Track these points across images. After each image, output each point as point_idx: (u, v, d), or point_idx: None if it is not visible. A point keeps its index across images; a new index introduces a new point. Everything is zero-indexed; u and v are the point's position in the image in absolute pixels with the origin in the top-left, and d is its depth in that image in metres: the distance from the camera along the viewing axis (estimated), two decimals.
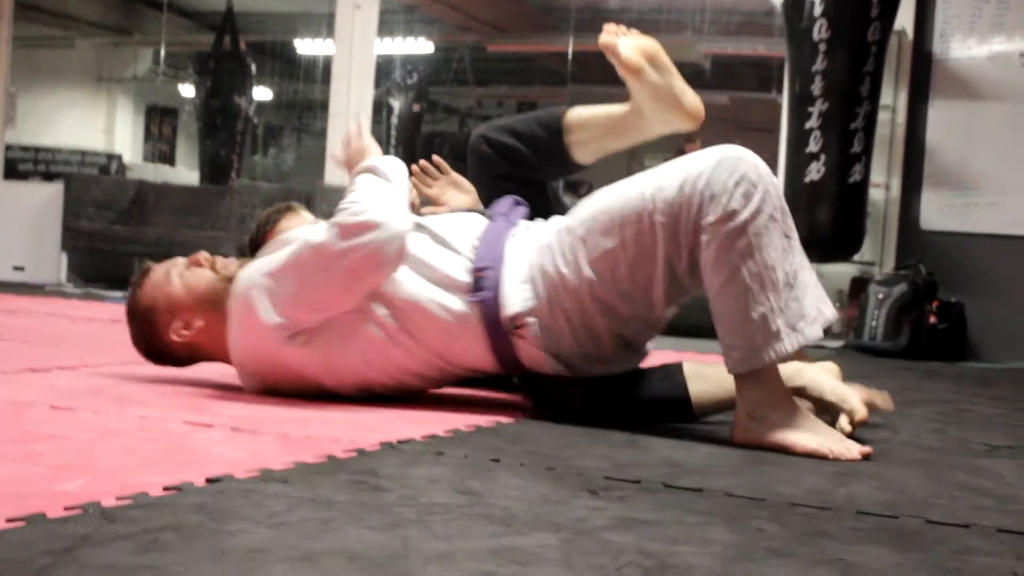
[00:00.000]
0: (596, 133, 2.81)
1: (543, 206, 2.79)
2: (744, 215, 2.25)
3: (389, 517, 1.44)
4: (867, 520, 1.63)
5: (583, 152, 2.83)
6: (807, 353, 2.67)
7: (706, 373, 2.62)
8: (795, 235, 2.34)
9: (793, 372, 2.57)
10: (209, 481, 1.59)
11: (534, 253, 2.51)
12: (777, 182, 2.33)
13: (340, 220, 2.44)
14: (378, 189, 2.52)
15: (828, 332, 2.66)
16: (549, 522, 1.47)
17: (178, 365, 2.80)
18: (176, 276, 2.70)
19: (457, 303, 2.49)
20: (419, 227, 2.63)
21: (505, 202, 2.73)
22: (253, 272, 2.53)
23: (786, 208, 2.33)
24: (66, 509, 1.36)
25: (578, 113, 2.82)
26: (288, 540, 1.28)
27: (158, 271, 2.74)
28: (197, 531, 1.30)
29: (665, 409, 2.58)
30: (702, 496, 1.74)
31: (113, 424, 2.10)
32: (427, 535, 1.35)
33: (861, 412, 2.46)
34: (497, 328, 2.47)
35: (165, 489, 1.51)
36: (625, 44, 2.69)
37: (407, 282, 2.50)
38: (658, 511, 1.59)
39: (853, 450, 2.21)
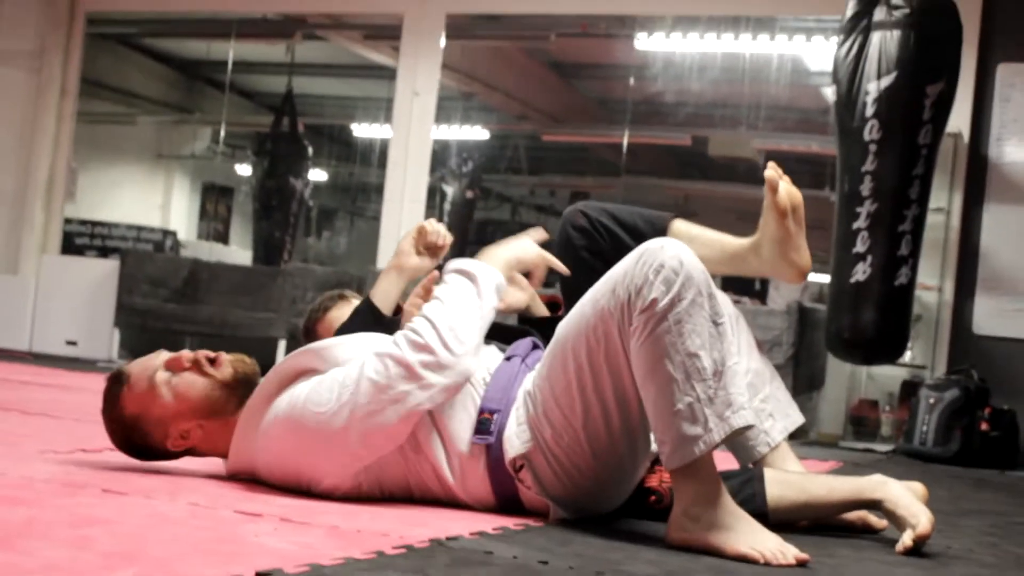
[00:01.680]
0: (699, 250, 2.75)
1: None
2: (664, 302, 2.21)
3: None
4: None
5: None
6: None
7: (790, 479, 2.62)
8: (725, 321, 2.29)
9: (878, 483, 2.56)
10: (259, 575, 1.59)
11: (522, 400, 2.47)
12: (702, 269, 2.29)
13: (412, 359, 2.40)
14: (462, 310, 2.49)
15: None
16: None
17: (168, 460, 2.67)
18: (163, 385, 2.55)
19: (463, 443, 2.46)
20: None
21: (524, 344, 2.67)
22: (303, 409, 2.43)
23: (715, 294, 2.29)
24: None
25: (685, 226, 2.83)
26: None
27: (139, 381, 2.56)
28: None
29: None
30: None
31: (164, 510, 2.11)
32: None
33: (924, 527, 2.42)
34: (500, 471, 2.44)
35: None
36: (783, 185, 2.68)
37: (432, 441, 2.48)
38: None
39: (789, 555, 2.13)
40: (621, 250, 2.72)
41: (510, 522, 2.32)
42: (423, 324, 2.45)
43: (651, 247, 2.29)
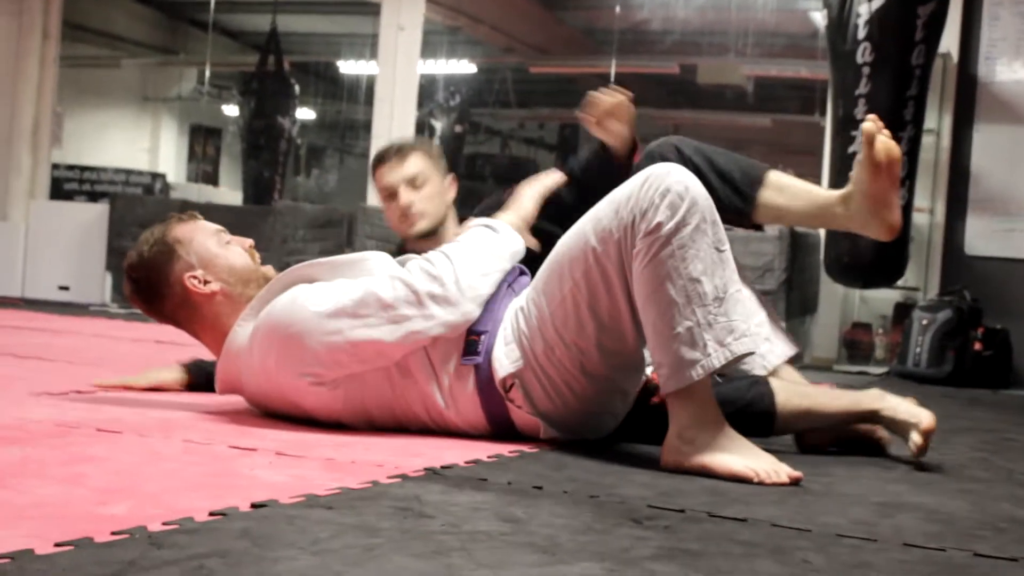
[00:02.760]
0: (789, 201, 2.79)
1: None
2: (669, 226, 2.21)
3: (432, 544, 1.44)
4: (914, 552, 1.62)
5: (764, 212, 2.81)
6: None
7: (794, 387, 2.66)
8: (727, 249, 2.29)
9: (876, 395, 2.61)
10: (254, 506, 1.60)
11: (513, 317, 2.49)
12: (707, 195, 2.29)
13: (421, 288, 2.43)
14: (479, 258, 2.52)
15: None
16: (593, 551, 1.47)
17: (148, 307, 2.68)
18: (222, 239, 2.68)
19: (452, 365, 2.47)
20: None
21: (511, 273, 2.65)
22: (301, 306, 2.44)
23: (718, 221, 2.29)
24: (113, 533, 1.37)
25: (779, 178, 2.82)
26: (332, 567, 1.29)
27: (207, 224, 2.72)
28: (242, 557, 1.30)
29: (750, 419, 2.56)
30: (747, 526, 1.73)
31: (159, 447, 2.11)
32: (471, 563, 1.35)
33: (928, 420, 2.47)
34: (491, 392, 2.45)
35: (211, 514, 1.52)
36: (881, 139, 2.58)
37: (419, 363, 2.49)
38: (703, 541, 1.58)
39: (782, 474, 2.16)
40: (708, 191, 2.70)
41: (504, 449, 2.33)
42: (439, 257, 2.48)
43: (657, 171, 2.29)
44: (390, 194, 3.32)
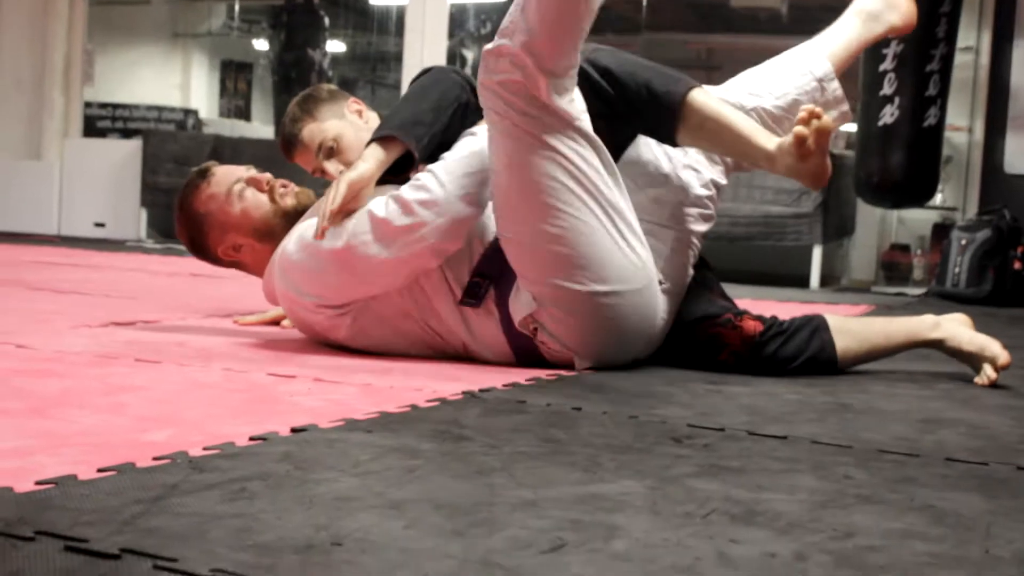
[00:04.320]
0: (713, 137, 2.52)
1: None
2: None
3: (473, 465, 1.44)
4: (956, 467, 1.61)
5: (685, 139, 2.55)
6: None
7: (851, 328, 2.64)
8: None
9: (931, 325, 2.61)
10: (294, 431, 1.60)
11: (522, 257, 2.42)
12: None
13: (409, 197, 2.43)
14: (459, 160, 2.48)
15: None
16: (634, 470, 1.47)
17: (215, 265, 2.86)
18: (236, 196, 2.71)
19: (465, 310, 2.48)
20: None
21: None
22: (305, 237, 2.48)
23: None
24: (155, 459, 1.38)
25: (701, 107, 2.49)
26: (374, 488, 1.29)
27: (220, 183, 2.74)
28: (284, 480, 1.31)
29: (812, 367, 2.58)
30: (787, 443, 1.73)
31: (198, 376, 2.12)
32: (512, 483, 1.36)
33: (1004, 357, 2.50)
34: (514, 331, 2.45)
35: (251, 439, 1.53)
36: (816, 124, 2.32)
37: (435, 281, 2.50)
38: (743, 458, 1.58)
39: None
40: (615, 119, 2.57)
41: (542, 373, 2.33)
42: (424, 172, 2.48)
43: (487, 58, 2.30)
44: (320, 172, 3.05)
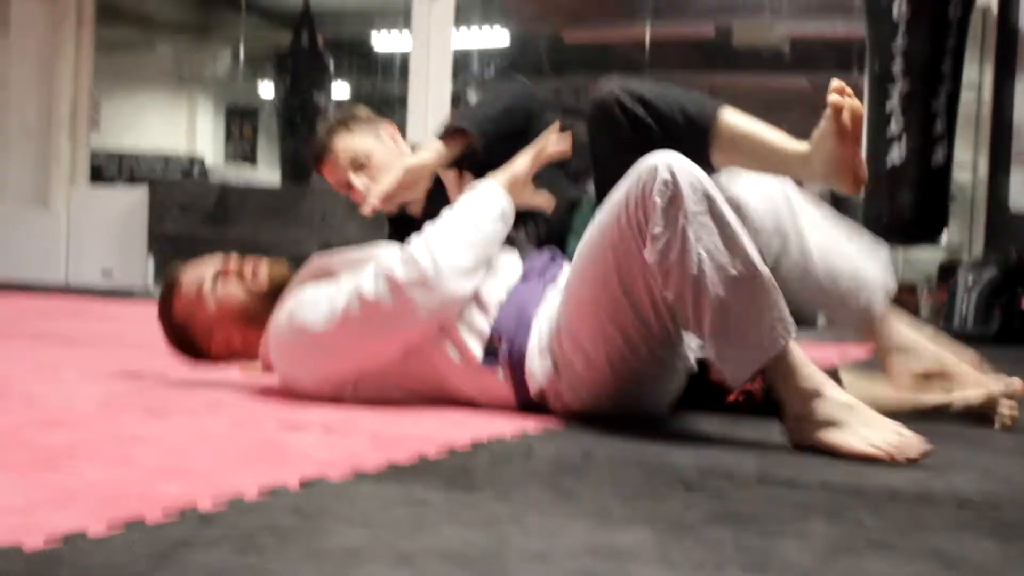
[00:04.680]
0: (746, 151, 2.57)
1: None
2: (676, 229, 2.13)
3: (483, 515, 1.44)
4: (969, 512, 1.60)
5: (721, 159, 2.61)
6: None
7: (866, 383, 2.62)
8: (732, 224, 2.15)
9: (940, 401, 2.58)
10: (303, 483, 1.60)
11: (547, 323, 2.42)
12: (697, 177, 2.16)
13: (400, 276, 2.36)
14: (458, 230, 2.44)
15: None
16: (645, 518, 1.46)
17: (218, 364, 2.80)
18: (208, 295, 2.66)
19: (477, 360, 2.44)
20: None
21: (540, 259, 2.61)
22: (297, 323, 2.46)
23: (712, 194, 2.16)
24: (164, 513, 1.37)
25: (733, 124, 2.57)
26: (383, 540, 1.29)
27: (188, 289, 2.69)
28: (293, 532, 1.31)
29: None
30: (798, 489, 1.72)
31: (207, 427, 2.12)
32: (522, 533, 1.35)
33: (1017, 384, 2.51)
34: (525, 398, 2.43)
35: (260, 491, 1.53)
36: (847, 102, 2.39)
37: (437, 342, 2.47)
38: (754, 505, 1.58)
39: (912, 449, 1.99)
40: (652, 145, 2.58)
41: (551, 423, 2.33)
42: (418, 241, 2.43)
43: (644, 172, 2.20)
44: (345, 186, 3.10)
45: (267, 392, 2.64)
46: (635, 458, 1.93)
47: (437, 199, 2.97)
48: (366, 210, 2.75)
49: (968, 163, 6.98)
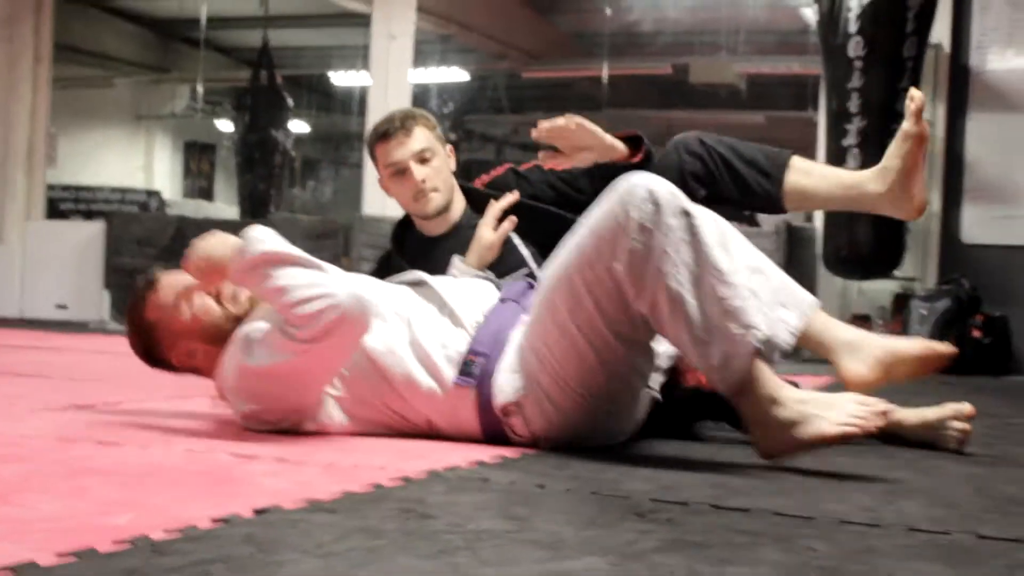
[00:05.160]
0: (816, 183, 2.85)
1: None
2: (654, 243, 2.19)
3: (437, 544, 1.44)
4: (918, 536, 1.61)
5: (792, 196, 2.85)
6: None
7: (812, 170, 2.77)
8: (708, 238, 2.22)
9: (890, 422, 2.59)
10: (257, 512, 1.59)
11: (519, 344, 2.44)
12: (669, 194, 2.23)
13: (300, 332, 2.30)
14: (297, 272, 2.35)
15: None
16: (598, 546, 1.46)
17: (173, 373, 2.76)
18: (184, 303, 2.62)
19: (449, 382, 2.44)
20: (428, 290, 2.61)
21: (518, 286, 2.63)
22: (239, 362, 2.44)
23: (690, 211, 2.22)
24: (115, 543, 1.36)
25: (804, 163, 2.86)
26: (337, 569, 1.28)
27: (166, 291, 2.65)
28: (246, 562, 1.30)
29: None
30: (750, 516, 1.73)
31: (160, 458, 2.11)
32: (476, 562, 1.35)
33: (968, 407, 2.56)
34: (489, 413, 2.42)
35: (213, 521, 1.52)
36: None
37: (403, 354, 2.47)
38: (707, 533, 1.58)
39: (877, 411, 2.13)
40: (735, 180, 2.76)
41: (507, 451, 2.33)
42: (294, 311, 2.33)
43: (623, 190, 2.24)
44: (398, 171, 3.18)
45: (221, 423, 2.63)
46: (589, 487, 1.93)
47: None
48: (436, 203, 3.16)
49: None
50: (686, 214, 2.22)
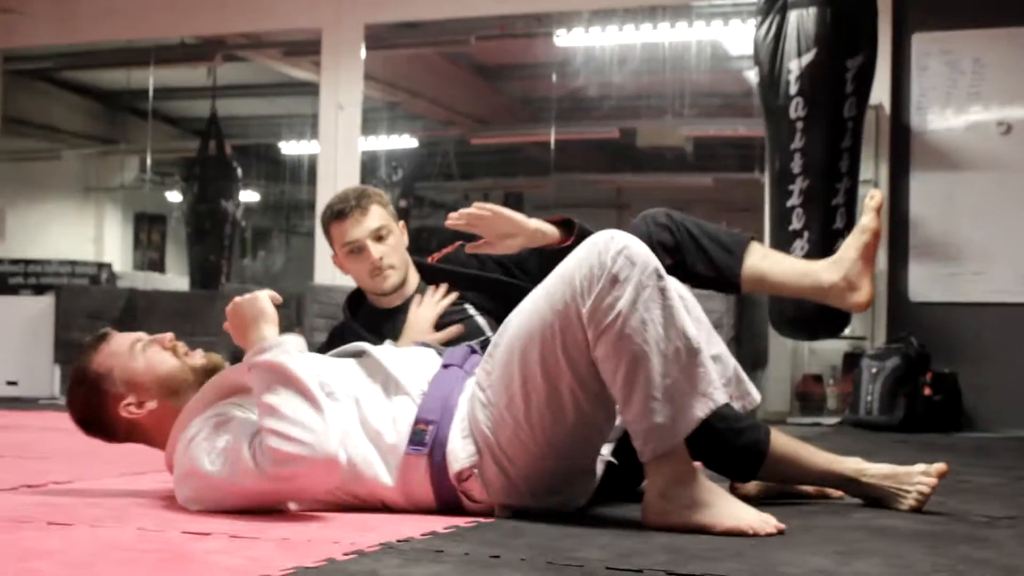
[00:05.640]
0: (773, 265, 2.91)
1: None
2: (623, 300, 2.22)
3: None
4: None
5: (749, 276, 2.90)
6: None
7: (794, 440, 2.69)
8: (678, 303, 2.27)
9: (857, 461, 2.67)
10: None
11: (469, 407, 2.43)
12: (650, 256, 2.27)
13: (267, 466, 2.26)
14: (298, 404, 2.29)
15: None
16: None
17: (108, 440, 2.68)
18: (140, 351, 2.60)
19: (399, 455, 2.43)
20: (371, 361, 2.59)
21: (459, 352, 2.62)
22: (198, 466, 2.38)
23: (665, 278, 2.27)
24: None
25: (761, 247, 2.93)
26: None
27: (120, 340, 2.63)
28: None
29: (738, 458, 2.64)
30: None
31: (112, 537, 2.08)
32: None
33: (941, 465, 2.57)
34: (444, 481, 2.41)
35: None
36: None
37: (355, 436, 2.44)
38: None
39: (770, 524, 2.20)
40: (700, 253, 2.84)
41: (460, 521, 2.32)
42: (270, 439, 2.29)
43: (600, 240, 2.28)
44: (354, 249, 3.28)
45: (171, 502, 2.60)
46: (545, 556, 1.92)
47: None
48: (392, 280, 3.30)
49: None
50: (659, 276, 2.26)
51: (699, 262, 2.90)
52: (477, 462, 2.38)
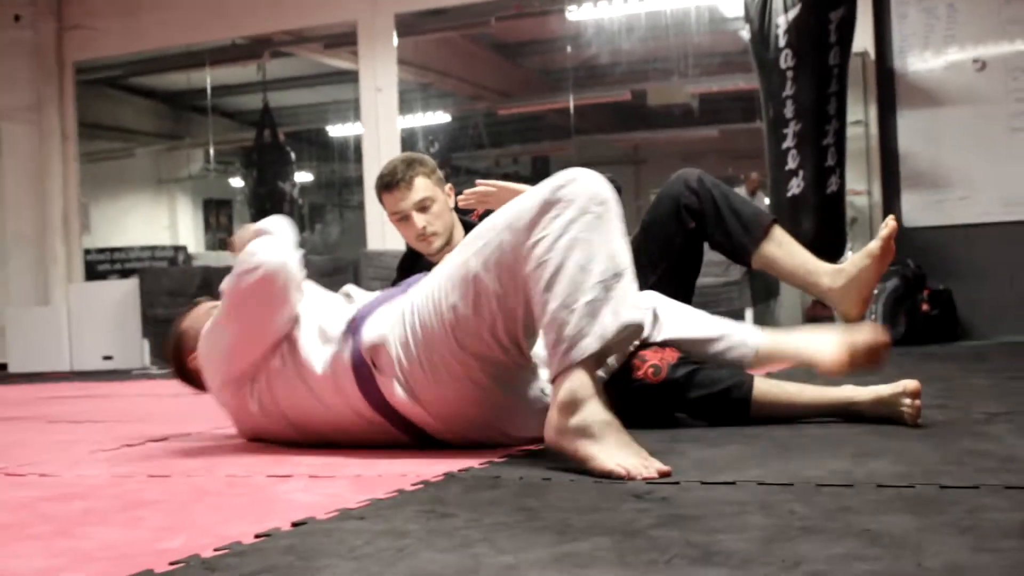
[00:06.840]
0: (784, 258, 2.87)
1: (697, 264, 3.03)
2: (557, 221, 2.09)
3: (457, 539, 1.43)
4: (887, 492, 1.62)
5: (760, 258, 2.88)
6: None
7: (773, 382, 2.60)
8: (615, 229, 2.11)
9: (849, 389, 2.55)
10: (294, 525, 1.59)
11: (399, 305, 2.38)
12: (596, 190, 2.11)
13: (232, 271, 2.52)
14: (261, 240, 2.55)
15: None
16: (602, 527, 1.46)
17: (194, 388, 2.89)
18: (208, 315, 2.74)
19: (332, 349, 2.44)
20: (351, 301, 2.61)
21: (418, 277, 2.53)
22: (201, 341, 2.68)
23: (609, 204, 2.11)
24: (170, 564, 1.36)
25: (781, 234, 2.89)
26: (370, 570, 1.28)
27: (201, 307, 2.89)
28: (288, 571, 1.30)
29: (724, 403, 2.55)
30: (736, 488, 1.73)
31: (205, 485, 2.10)
32: (493, 551, 1.35)
33: (912, 383, 2.44)
34: (361, 364, 2.37)
35: (256, 537, 1.51)
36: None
37: (306, 340, 2.50)
38: (698, 506, 1.58)
39: (652, 468, 1.89)
40: (719, 224, 2.86)
41: (515, 451, 2.32)
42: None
43: (561, 173, 2.15)
44: (402, 218, 3.31)
45: (256, 450, 2.62)
46: (590, 478, 1.92)
47: None
48: (436, 244, 3.28)
49: (864, 189, 7.06)
50: (602, 204, 2.11)
51: (717, 232, 2.89)
52: (386, 336, 2.33)
